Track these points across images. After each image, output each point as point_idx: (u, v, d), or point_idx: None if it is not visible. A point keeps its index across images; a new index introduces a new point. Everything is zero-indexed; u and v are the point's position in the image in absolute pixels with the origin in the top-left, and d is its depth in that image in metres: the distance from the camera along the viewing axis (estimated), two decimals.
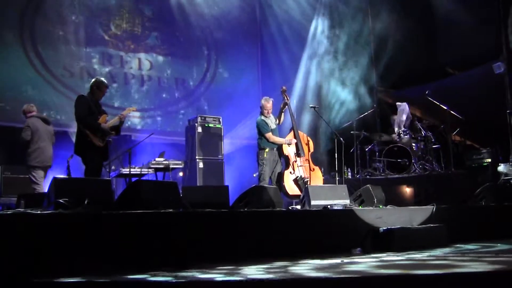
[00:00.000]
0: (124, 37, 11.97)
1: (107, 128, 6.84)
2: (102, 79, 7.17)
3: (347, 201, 6.23)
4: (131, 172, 8.62)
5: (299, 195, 7.02)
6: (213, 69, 13.33)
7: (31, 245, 3.58)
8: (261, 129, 7.91)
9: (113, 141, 7.38)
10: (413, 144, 10.28)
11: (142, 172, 8.98)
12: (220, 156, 10.02)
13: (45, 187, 8.03)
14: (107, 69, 11.39)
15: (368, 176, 10.15)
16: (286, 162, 7.99)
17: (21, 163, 8.47)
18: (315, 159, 8.46)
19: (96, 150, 6.68)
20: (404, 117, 10.58)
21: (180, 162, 9.54)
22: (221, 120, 10.28)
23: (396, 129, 10.61)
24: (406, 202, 8.75)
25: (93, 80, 7.13)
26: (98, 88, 6.95)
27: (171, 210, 4.53)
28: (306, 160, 8.00)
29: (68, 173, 8.83)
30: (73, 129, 10.10)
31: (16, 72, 10.40)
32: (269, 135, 7.89)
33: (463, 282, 3.19)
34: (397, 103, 10.79)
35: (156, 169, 9.13)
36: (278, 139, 8.00)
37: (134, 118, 11.57)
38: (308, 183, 7.62)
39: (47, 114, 9.20)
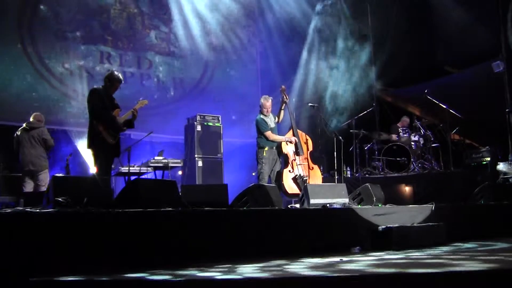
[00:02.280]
0: (123, 35, 11.95)
1: (120, 123, 6.75)
2: (116, 72, 7.00)
3: (346, 200, 6.24)
4: (130, 171, 8.62)
5: (298, 194, 7.02)
6: (212, 68, 13.31)
7: (30, 243, 3.58)
8: (260, 128, 7.91)
9: None
10: (412, 143, 10.30)
11: (141, 171, 8.99)
12: (219, 155, 10.02)
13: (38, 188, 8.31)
14: (106, 68, 11.35)
15: (367, 175, 10.16)
16: (285, 160, 7.98)
17: (19, 162, 8.71)
18: (314, 158, 8.46)
19: (108, 146, 6.60)
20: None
21: (179, 160, 9.55)
22: (220, 118, 10.28)
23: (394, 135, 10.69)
24: (405, 201, 8.75)
25: (107, 73, 7.04)
26: (110, 82, 6.81)
27: (170, 208, 4.53)
28: (305, 159, 8.00)
29: (67, 172, 8.84)
30: (71, 127, 10.16)
31: (15, 71, 10.37)
32: (268, 133, 7.89)
33: (457, 281, 3.19)
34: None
35: (155, 168, 9.14)
36: (278, 137, 8.00)
37: None
38: (307, 182, 7.62)
39: (45, 113, 9.18)
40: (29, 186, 8.30)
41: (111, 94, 6.88)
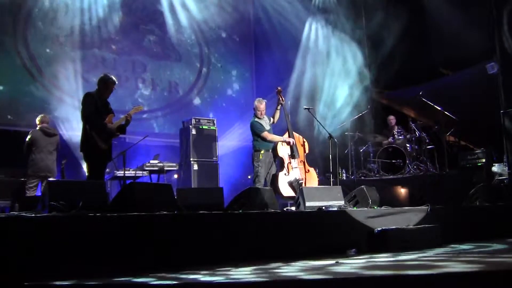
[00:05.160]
0: (117, 40, 11.91)
1: (113, 129, 6.69)
2: (110, 75, 6.84)
3: (342, 202, 6.24)
4: (126, 175, 8.60)
5: (294, 197, 7.01)
6: (206, 71, 13.29)
7: (25, 248, 3.57)
8: (256, 130, 7.89)
9: None
10: (407, 145, 10.31)
11: (137, 174, 8.98)
12: (214, 158, 10.00)
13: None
14: (100, 72, 11.29)
15: (362, 177, 10.17)
16: (280, 163, 7.97)
17: (14, 166, 8.79)
18: (310, 160, 8.45)
19: (100, 150, 6.56)
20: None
21: (174, 164, 9.53)
22: (215, 122, 10.26)
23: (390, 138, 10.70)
24: (400, 203, 8.75)
25: (100, 76, 6.89)
26: (105, 85, 6.70)
27: (165, 212, 4.52)
28: (301, 162, 7.98)
29: (62, 176, 8.81)
30: (66, 132, 10.12)
31: (10, 76, 10.30)
32: (265, 133, 7.86)
33: (453, 282, 3.20)
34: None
35: (151, 171, 9.13)
36: (275, 137, 7.96)
37: None
38: (303, 184, 7.61)
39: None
40: (33, 191, 8.27)
41: (105, 98, 6.81)
